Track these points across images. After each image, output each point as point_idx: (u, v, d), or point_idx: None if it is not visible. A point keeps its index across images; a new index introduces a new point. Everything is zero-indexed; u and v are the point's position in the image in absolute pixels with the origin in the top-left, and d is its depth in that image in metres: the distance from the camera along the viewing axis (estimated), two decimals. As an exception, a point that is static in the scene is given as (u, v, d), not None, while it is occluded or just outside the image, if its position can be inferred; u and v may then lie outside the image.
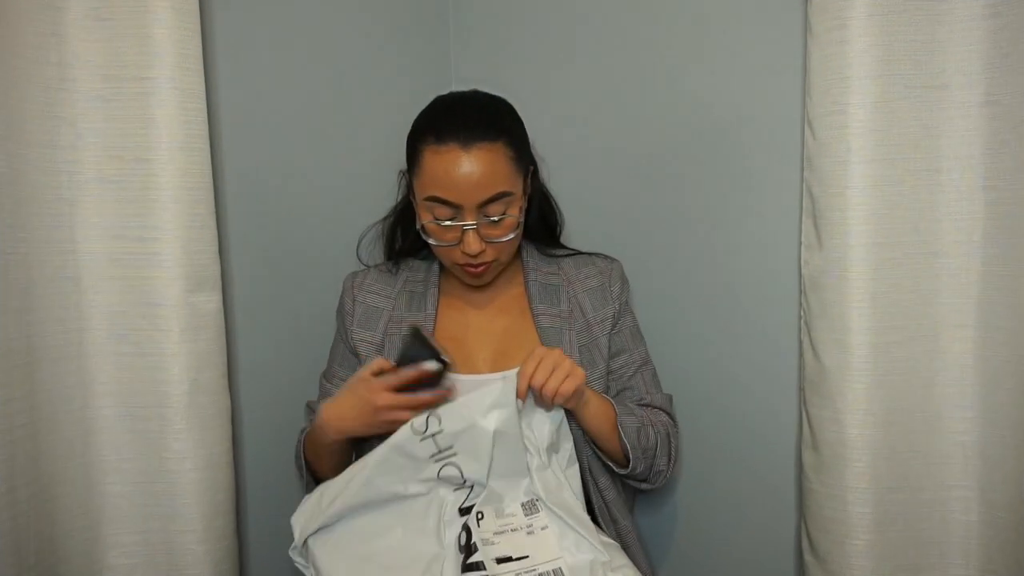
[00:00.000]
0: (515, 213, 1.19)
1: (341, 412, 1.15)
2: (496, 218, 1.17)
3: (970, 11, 1.11)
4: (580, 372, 1.11)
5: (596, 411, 1.17)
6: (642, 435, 1.20)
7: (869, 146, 1.13)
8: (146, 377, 1.12)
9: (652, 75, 1.42)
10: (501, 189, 1.16)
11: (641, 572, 1.19)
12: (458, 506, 1.10)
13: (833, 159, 1.15)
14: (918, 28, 1.12)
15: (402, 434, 1.09)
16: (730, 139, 1.35)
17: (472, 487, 1.11)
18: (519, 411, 1.09)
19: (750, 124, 1.33)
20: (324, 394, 1.29)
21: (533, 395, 1.11)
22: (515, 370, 1.11)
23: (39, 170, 1.05)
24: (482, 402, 1.09)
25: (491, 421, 1.08)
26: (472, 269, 1.21)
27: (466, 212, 1.16)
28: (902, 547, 1.18)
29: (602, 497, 1.23)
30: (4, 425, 0.99)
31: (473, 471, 1.10)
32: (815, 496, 1.22)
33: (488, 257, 1.20)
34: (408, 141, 1.22)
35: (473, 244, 1.17)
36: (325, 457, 1.22)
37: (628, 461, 1.20)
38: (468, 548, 1.07)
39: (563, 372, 1.10)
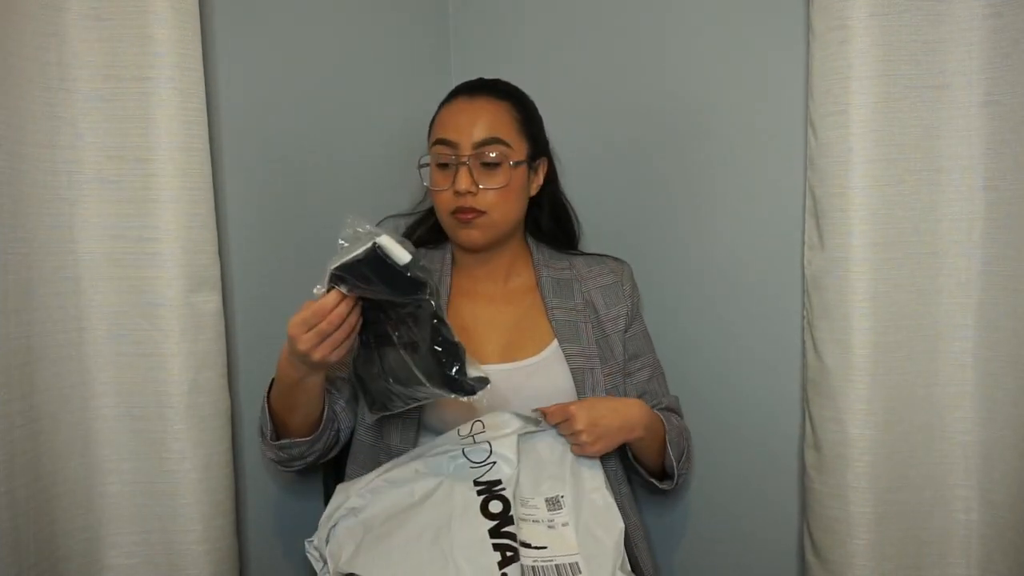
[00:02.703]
0: (510, 166, 1.21)
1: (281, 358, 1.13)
2: (489, 160, 1.20)
3: (970, 11, 1.11)
4: (593, 451, 1.15)
5: (645, 439, 1.21)
6: (678, 445, 1.25)
7: (870, 146, 1.13)
8: (146, 377, 1.12)
9: (653, 76, 1.42)
10: (497, 135, 1.21)
11: (644, 569, 1.21)
12: (473, 478, 1.10)
13: (835, 159, 1.15)
14: (919, 28, 1.12)
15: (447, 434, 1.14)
16: (732, 140, 1.35)
17: (495, 463, 1.11)
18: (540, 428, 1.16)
19: (752, 125, 1.33)
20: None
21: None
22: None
23: (39, 170, 1.05)
24: (516, 417, 1.15)
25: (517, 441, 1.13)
26: (462, 216, 1.21)
27: (462, 149, 1.20)
28: (903, 546, 1.18)
29: (614, 491, 1.24)
30: (4, 425, 0.98)
31: (504, 447, 1.12)
32: (817, 495, 1.22)
33: (479, 205, 1.21)
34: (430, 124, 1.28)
35: (463, 179, 1.19)
36: (291, 406, 1.17)
37: (665, 472, 1.26)
38: (505, 517, 1.06)
39: (578, 441, 1.15)
